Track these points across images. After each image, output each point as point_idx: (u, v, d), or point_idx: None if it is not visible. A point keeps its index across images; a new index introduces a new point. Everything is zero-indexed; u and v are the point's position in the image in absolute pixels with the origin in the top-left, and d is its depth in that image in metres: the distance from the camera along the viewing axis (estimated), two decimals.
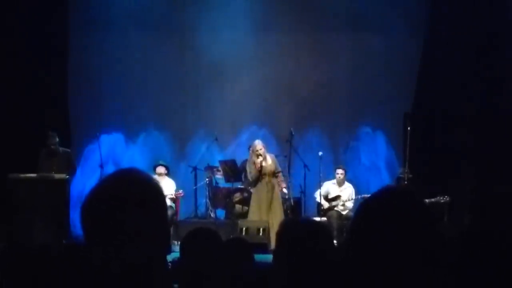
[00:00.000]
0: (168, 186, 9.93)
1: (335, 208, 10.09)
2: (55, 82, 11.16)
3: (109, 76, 11.78)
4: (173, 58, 11.98)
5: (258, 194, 9.47)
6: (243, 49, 11.82)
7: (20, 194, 9.02)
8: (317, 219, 8.67)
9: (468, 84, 10.36)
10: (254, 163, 9.37)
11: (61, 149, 9.89)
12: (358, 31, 11.77)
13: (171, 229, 9.79)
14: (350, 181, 10.49)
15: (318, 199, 10.25)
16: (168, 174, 10.36)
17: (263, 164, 9.36)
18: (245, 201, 10.27)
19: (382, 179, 11.43)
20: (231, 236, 7.87)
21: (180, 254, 3.02)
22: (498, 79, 10.14)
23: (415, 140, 9.88)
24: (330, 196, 10.24)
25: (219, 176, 11.06)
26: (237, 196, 10.51)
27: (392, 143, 11.83)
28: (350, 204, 10.12)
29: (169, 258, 3.45)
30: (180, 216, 10.70)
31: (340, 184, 10.32)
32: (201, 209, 11.17)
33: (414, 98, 11.10)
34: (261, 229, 9.02)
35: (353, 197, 10.18)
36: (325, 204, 10.17)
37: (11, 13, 10.74)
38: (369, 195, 1.63)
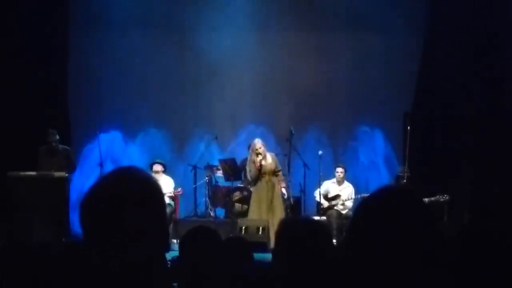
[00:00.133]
0: (166, 184, 9.92)
1: (335, 208, 10.10)
2: (55, 81, 11.16)
3: (109, 75, 11.78)
4: (173, 57, 11.97)
5: (258, 193, 9.47)
6: (243, 48, 11.83)
7: (19, 192, 9.02)
8: (317, 218, 8.67)
9: (468, 84, 10.35)
10: (254, 162, 9.37)
11: (60, 146, 9.89)
12: (358, 31, 11.77)
13: (170, 227, 9.80)
14: (349, 181, 10.50)
15: (317, 198, 10.25)
16: (165, 171, 10.34)
17: (263, 163, 9.36)
18: (245, 200, 10.27)
19: (381, 178, 11.43)
20: (231, 235, 7.86)
21: (180, 252, 3.02)
22: (498, 79, 10.14)
23: (415, 140, 9.89)
24: (329, 195, 10.24)
25: (219, 174, 11.06)
26: (237, 195, 10.51)
27: (391, 143, 11.83)
28: (349, 204, 10.12)
29: (169, 256, 3.45)
30: (180, 215, 10.71)
31: (340, 183, 10.32)
32: (201, 208, 11.17)
33: (414, 97, 11.10)
34: (260, 228, 9.02)
35: (353, 196, 10.19)
36: (325, 203, 10.18)
37: (11, 12, 10.73)
38: (368, 194, 1.63)
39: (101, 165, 10.07)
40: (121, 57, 11.78)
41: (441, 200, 9.05)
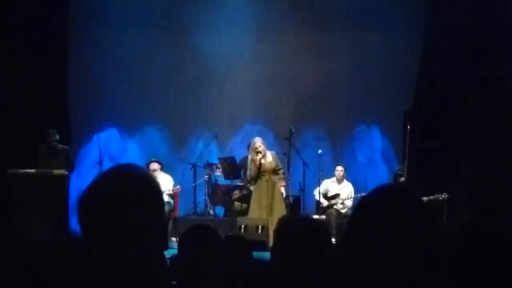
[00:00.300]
0: (165, 182, 9.90)
1: (334, 207, 10.11)
2: (55, 79, 11.16)
3: (109, 74, 11.79)
4: (173, 56, 11.98)
5: (258, 191, 9.47)
6: (243, 48, 11.84)
7: (19, 189, 9.03)
8: (316, 217, 8.67)
9: (468, 83, 10.34)
10: (254, 160, 9.38)
11: (60, 146, 9.90)
12: (358, 30, 11.77)
13: (170, 226, 9.81)
14: (349, 180, 10.51)
15: (317, 197, 10.26)
16: (162, 169, 10.32)
17: (262, 161, 9.36)
18: (244, 199, 10.28)
19: (381, 177, 11.43)
20: (230, 233, 7.87)
21: (178, 250, 3.02)
22: (498, 79, 10.13)
23: (415, 139, 9.89)
24: (329, 194, 10.25)
25: (218, 173, 11.06)
26: (236, 194, 10.51)
27: (391, 142, 11.84)
28: (349, 203, 10.13)
29: (168, 254, 3.45)
30: (179, 213, 10.72)
31: (339, 181, 10.33)
32: (200, 206, 11.18)
33: (414, 97, 11.09)
34: (259, 227, 9.03)
35: (352, 195, 10.20)
36: (324, 202, 10.18)
37: (12, 11, 10.73)
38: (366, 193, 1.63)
39: (100, 163, 10.08)
40: (121, 57, 11.79)
41: (440, 198, 9.05)
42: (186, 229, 3.03)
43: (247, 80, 11.84)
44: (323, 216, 9.79)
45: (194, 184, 11.07)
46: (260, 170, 9.38)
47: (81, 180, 10.44)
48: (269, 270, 2.58)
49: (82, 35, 11.68)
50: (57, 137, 9.83)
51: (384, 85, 11.57)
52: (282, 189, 9.53)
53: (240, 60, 11.83)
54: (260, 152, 9.34)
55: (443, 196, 9.08)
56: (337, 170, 10.35)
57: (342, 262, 1.64)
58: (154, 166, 10.16)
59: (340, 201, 10.15)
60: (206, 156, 11.34)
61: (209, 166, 11.14)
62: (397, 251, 1.45)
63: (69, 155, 10.05)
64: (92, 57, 11.77)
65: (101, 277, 1.43)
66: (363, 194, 1.82)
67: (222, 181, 11.10)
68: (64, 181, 9.29)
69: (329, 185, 10.31)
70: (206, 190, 11.06)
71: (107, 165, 9.91)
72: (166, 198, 9.75)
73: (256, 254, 3.86)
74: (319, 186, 10.15)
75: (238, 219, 9.51)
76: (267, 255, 5.80)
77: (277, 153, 9.85)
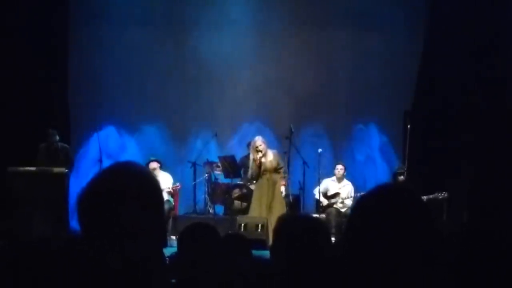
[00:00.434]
0: (165, 180, 9.91)
1: (334, 206, 10.10)
2: (55, 78, 11.16)
3: (109, 72, 11.78)
4: (173, 55, 11.97)
5: (259, 190, 9.48)
6: (243, 47, 11.83)
7: (19, 187, 9.03)
8: (316, 216, 8.67)
9: (468, 83, 10.33)
10: (254, 159, 9.39)
11: (60, 144, 9.91)
12: (358, 30, 11.77)
13: (170, 224, 9.82)
14: (349, 179, 10.51)
15: (317, 196, 10.25)
16: (161, 168, 10.32)
17: (263, 160, 9.36)
18: (244, 197, 10.28)
19: (381, 177, 11.43)
20: (230, 232, 7.88)
21: (178, 248, 3.02)
22: (499, 79, 10.12)
23: (415, 139, 9.89)
24: (329, 193, 10.25)
25: (218, 172, 11.06)
26: (236, 192, 10.51)
27: (391, 142, 11.84)
28: (349, 202, 10.12)
29: (167, 253, 3.45)
30: (179, 212, 10.72)
31: (339, 180, 10.33)
32: (200, 205, 11.18)
33: (414, 96, 11.09)
34: (259, 225, 9.02)
35: (352, 194, 10.20)
36: (324, 202, 10.18)
37: (12, 10, 10.72)
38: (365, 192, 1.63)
39: (100, 161, 10.08)
40: (121, 56, 11.79)
41: (440, 197, 9.03)
42: (185, 227, 3.03)
43: (247, 79, 11.84)
44: (323, 215, 9.79)
45: (194, 183, 11.06)
46: (260, 169, 9.38)
47: (81, 179, 10.44)
48: (268, 268, 2.58)
49: (82, 34, 11.67)
50: (57, 137, 9.86)
51: (384, 84, 11.57)
52: (282, 188, 9.53)
53: (240, 59, 11.82)
54: (260, 151, 9.34)
55: (443, 195, 9.06)
56: (337, 169, 10.35)
57: (342, 261, 1.64)
58: (154, 165, 10.16)
59: (340, 200, 10.15)
60: (206, 155, 11.34)
61: (209, 164, 11.14)
62: (396, 250, 1.45)
63: (69, 153, 10.06)
64: (92, 56, 11.77)
65: (101, 275, 1.43)
66: (362, 193, 1.81)
67: (222, 179, 11.09)
68: (64, 179, 9.29)
69: (329, 184, 10.31)
70: (206, 189, 11.07)
71: (107, 163, 9.91)
72: (165, 196, 9.76)
73: (255, 253, 3.86)
74: (319, 185, 10.15)
75: (238, 217, 9.51)
76: (266, 253, 5.80)
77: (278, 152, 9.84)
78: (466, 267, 1.78)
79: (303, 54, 11.94)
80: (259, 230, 8.98)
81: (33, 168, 9.28)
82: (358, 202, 1.57)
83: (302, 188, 10.32)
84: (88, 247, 1.45)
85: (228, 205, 10.72)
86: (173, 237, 9.01)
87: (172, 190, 10.01)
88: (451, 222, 9.03)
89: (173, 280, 2.77)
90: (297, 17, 11.88)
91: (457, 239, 1.88)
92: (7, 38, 10.58)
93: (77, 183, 9.94)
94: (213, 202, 10.99)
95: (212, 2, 11.89)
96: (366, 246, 1.47)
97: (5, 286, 1.49)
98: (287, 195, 9.72)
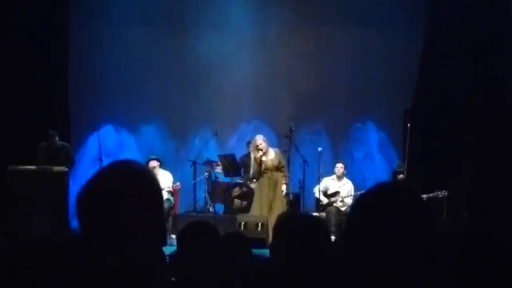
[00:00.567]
0: (165, 179, 9.91)
1: (334, 204, 10.10)
2: (55, 76, 11.16)
3: (108, 71, 11.77)
4: (173, 54, 11.97)
5: (260, 189, 9.50)
6: (243, 45, 11.83)
7: (19, 186, 9.03)
8: (316, 214, 8.66)
9: (468, 82, 10.32)
10: (255, 157, 9.40)
11: (60, 143, 9.90)
12: (358, 28, 11.76)
13: (169, 222, 9.82)
14: (349, 178, 10.51)
15: (317, 195, 10.25)
16: (161, 166, 10.32)
17: (264, 158, 9.36)
18: (244, 196, 10.27)
19: (380, 176, 11.43)
20: (230, 231, 7.88)
21: (177, 247, 3.02)
22: (499, 77, 10.11)
23: (415, 137, 9.88)
24: (329, 192, 10.25)
25: (218, 170, 11.06)
26: (236, 191, 10.50)
27: (392, 140, 11.84)
28: (349, 200, 10.12)
29: (167, 251, 3.46)
30: (179, 210, 10.71)
31: (339, 178, 10.33)
32: (200, 204, 11.18)
33: (414, 95, 11.09)
34: (259, 224, 9.03)
35: (352, 193, 10.19)
36: (324, 200, 10.18)
37: (12, 9, 10.72)
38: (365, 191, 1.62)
39: (100, 160, 10.08)
40: (121, 54, 11.78)
41: (440, 196, 9.03)
42: (185, 225, 3.03)
43: (247, 78, 11.83)
44: (323, 214, 9.79)
45: (194, 181, 11.06)
46: (261, 168, 9.38)
47: (81, 178, 10.44)
48: (268, 267, 2.58)
49: (82, 34, 11.67)
50: (57, 138, 9.86)
51: (384, 83, 11.57)
52: (284, 187, 9.52)
53: (240, 57, 11.81)
54: (261, 150, 9.35)
55: (443, 193, 9.06)
56: (337, 167, 10.35)
57: (341, 260, 1.64)
58: (153, 163, 10.16)
59: (340, 198, 10.15)
60: (206, 154, 11.33)
61: (209, 163, 11.13)
62: (396, 248, 1.45)
63: (69, 152, 10.06)
64: (92, 55, 11.76)
65: (101, 273, 1.43)
66: (362, 192, 1.81)
67: (222, 178, 11.09)
68: (64, 177, 9.29)
69: (329, 183, 10.31)
70: (206, 187, 11.06)
71: (106, 162, 9.88)
72: (165, 195, 9.76)
73: (255, 251, 3.86)
74: (319, 183, 10.15)
75: (238, 216, 9.51)
76: (266, 252, 5.81)
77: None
78: (466, 266, 1.78)
79: (303, 53, 11.93)
80: (259, 229, 8.98)
81: (33, 167, 9.27)
82: (358, 201, 1.57)
83: (302, 187, 10.32)
84: (87, 246, 1.45)
85: (228, 204, 10.71)
86: (173, 236, 9.00)
87: (172, 190, 10.01)
88: (451, 220, 9.02)
89: (173, 279, 2.77)
90: (297, 16, 11.87)
91: (457, 238, 1.88)
92: (7, 38, 10.57)
93: (77, 182, 9.94)
94: (213, 201, 10.98)
95: (212, 2, 11.89)
96: (365, 245, 1.47)
97: (5, 285, 1.49)
98: (287, 194, 9.72)
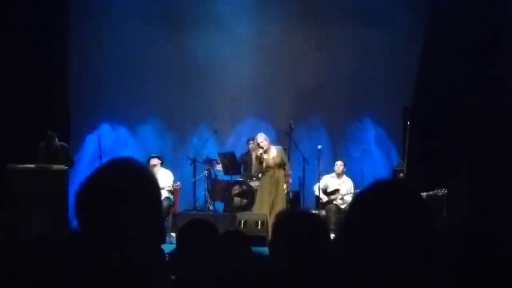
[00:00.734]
0: (166, 178, 9.91)
1: (334, 202, 10.11)
2: (55, 74, 11.14)
3: (108, 69, 11.75)
4: (173, 52, 11.95)
5: (262, 187, 9.51)
6: (243, 43, 11.81)
7: (18, 185, 9.02)
8: (315, 212, 8.66)
9: (468, 80, 10.30)
10: (256, 155, 9.42)
11: (59, 143, 9.90)
12: (358, 26, 11.75)
13: (169, 221, 9.82)
14: (348, 175, 10.51)
15: (316, 193, 10.26)
16: (162, 164, 10.33)
17: (265, 156, 9.37)
18: (244, 194, 10.27)
19: (381, 173, 11.43)
20: (229, 229, 7.88)
21: (177, 245, 3.02)
22: (499, 77, 10.09)
23: (415, 135, 9.88)
24: (328, 190, 10.26)
25: (218, 168, 11.06)
26: (236, 189, 10.50)
27: (391, 138, 11.83)
28: (348, 198, 10.12)
29: (167, 249, 3.46)
30: (179, 209, 10.71)
31: (339, 175, 10.34)
32: (200, 202, 11.18)
33: (414, 93, 11.08)
34: (259, 222, 9.03)
35: (352, 191, 10.20)
36: (324, 198, 10.19)
37: (13, 9, 10.71)
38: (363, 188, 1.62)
39: (100, 158, 10.08)
40: (121, 53, 11.77)
41: (440, 194, 9.04)
42: (185, 223, 3.03)
43: (247, 75, 11.82)
44: (323, 212, 9.79)
45: (193, 180, 11.06)
46: (262, 165, 9.39)
47: (80, 177, 10.43)
48: (268, 265, 2.58)
49: (82, 32, 11.65)
50: (56, 139, 9.84)
51: (384, 81, 11.57)
52: (285, 185, 9.53)
53: (240, 55, 11.80)
54: (262, 148, 9.35)
55: (442, 191, 9.07)
56: (337, 165, 10.36)
57: (340, 257, 1.64)
58: (154, 161, 10.18)
59: (340, 196, 10.16)
60: (206, 152, 11.33)
61: (209, 161, 11.13)
62: (394, 246, 1.44)
63: (69, 152, 10.06)
64: (92, 54, 11.74)
65: (101, 272, 1.43)
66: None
67: (222, 176, 11.09)
68: (63, 176, 9.28)
69: (329, 181, 10.31)
70: (206, 186, 11.06)
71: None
72: (165, 193, 9.77)
73: (255, 249, 3.85)
74: (318, 181, 10.15)
75: (237, 214, 9.51)
76: (266, 250, 5.80)
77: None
78: (465, 265, 1.78)
79: (303, 51, 11.91)
80: (259, 227, 8.99)
81: (32, 166, 9.27)
82: (357, 198, 1.56)
83: (302, 185, 10.33)
84: (87, 244, 1.45)
85: (228, 202, 10.71)
86: (173, 234, 9.01)
87: (172, 189, 10.02)
88: (451, 218, 9.01)
89: (173, 277, 2.77)
90: (297, 13, 11.86)
91: (457, 235, 1.88)
92: (7, 38, 10.56)
93: (77, 182, 9.93)
94: (213, 199, 10.98)
95: (211, 1, 11.86)
96: (364, 242, 1.46)
97: (5, 283, 1.49)
98: (287, 192, 9.73)
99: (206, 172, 11.03)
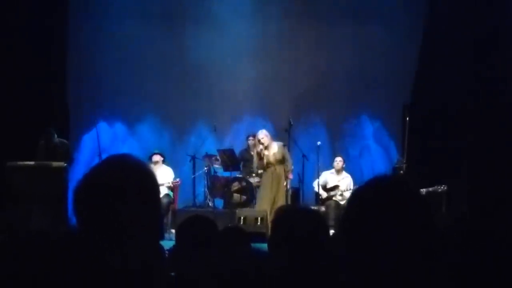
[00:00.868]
0: (166, 174, 9.94)
1: (333, 198, 10.11)
2: (54, 72, 11.15)
3: (108, 66, 11.76)
4: (172, 48, 11.95)
5: (264, 183, 9.53)
6: (242, 40, 11.81)
7: (18, 182, 9.02)
8: (315, 208, 8.67)
9: (468, 78, 10.30)
10: (257, 152, 9.43)
11: (59, 140, 9.89)
12: (358, 23, 11.75)
13: (169, 217, 9.83)
14: (348, 172, 10.52)
15: (316, 189, 10.26)
16: (164, 161, 10.36)
17: (266, 153, 9.38)
18: (244, 190, 10.28)
19: (380, 169, 11.44)
20: (229, 225, 7.88)
21: (176, 241, 3.02)
22: (498, 75, 10.08)
23: (414, 132, 9.88)
24: (328, 186, 10.26)
25: (217, 165, 11.06)
26: (235, 186, 10.50)
27: (391, 135, 11.84)
28: (348, 194, 10.12)
29: (166, 246, 3.46)
30: (179, 205, 10.73)
31: (338, 172, 10.34)
32: (200, 198, 11.19)
33: (413, 90, 11.08)
34: (259, 218, 9.03)
35: (351, 187, 10.20)
36: (323, 194, 10.19)
37: (13, 9, 10.70)
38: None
39: (99, 156, 10.07)
40: (120, 51, 11.77)
41: (439, 190, 9.04)
42: (184, 220, 3.03)
43: (246, 72, 11.82)
44: (322, 208, 9.80)
45: (193, 176, 11.06)
46: (263, 162, 9.40)
47: (79, 175, 10.41)
48: (267, 261, 2.58)
49: (80, 31, 11.65)
50: (56, 136, 9.84)
51: (383, 78, 11.57)
52: (285, 182, 9.54)
53: (239, 52, 11.80)
54: (262, 144, 9.36)
55: (442, 188, 9.07)
56: (336, 161, 10.37)
57: (339, 254, 1.64)
58: (157, 158, 10.23)
59: (339, 192, 10.16)
60: (205, 148, 11.34)
61: (208, 158, 11.13)
62: (394, 242, 1.44)
63: (69, 148, 10.05)
64: (91, 53, 11.74)
65: (100, 269, 1.43)
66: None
67: (221, 173, 11.10)
68: (63, 173, 9.27)
69: (328, 177, 10.32)
70: (205, 182, 11.06)
71: None
72: (165, 190, 9.78)
73: (255, 246, 3.85)
74: (318, 177, 10.16)
75: (237, 211, 9.52)
76: (266, 246, 5.81)
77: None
78: (465, 263, 1.78)
79: (302, 47, 11.92)
80: (258, 223, 8.99)
81: (32, 163, 9.26)
82: (356, 194, 1.56)
83: (301, 181, 10.34)
84: (86, 241, 1.45)
85: (227, 198, 10.71)
86: (173, 231, 9.01)
87: (172, 186, 10.03)
88: (450, 214, 9.02)
89: (172, 274, 2.77)
90: (296, 11, 11.86)
91: (456, 232, 1.88)
92: (7, 37, 10.56)
93: (76, 179, 9.93)
94: (213, 196, 10.99)
95: (212, 0, 11.86)
96: (363, 238, 1.46)
97: (4, 280, 1.49)
98: (287, 188, 9.74)
99: (205, 168, 11.03)
